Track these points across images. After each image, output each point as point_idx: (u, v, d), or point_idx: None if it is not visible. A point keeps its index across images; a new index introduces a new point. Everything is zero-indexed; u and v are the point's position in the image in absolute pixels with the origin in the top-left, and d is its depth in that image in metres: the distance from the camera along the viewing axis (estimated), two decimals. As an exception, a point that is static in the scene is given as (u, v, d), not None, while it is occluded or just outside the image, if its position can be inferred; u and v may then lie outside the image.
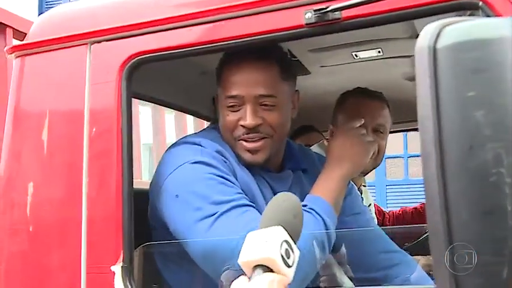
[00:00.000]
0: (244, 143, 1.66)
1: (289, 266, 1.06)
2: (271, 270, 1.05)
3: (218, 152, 1.62)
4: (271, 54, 1.68)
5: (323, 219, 1.53)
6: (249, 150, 1.66)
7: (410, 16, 1.40)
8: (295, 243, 1.09)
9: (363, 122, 1.83)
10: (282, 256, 1.05)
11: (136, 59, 1.53)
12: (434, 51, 0.89)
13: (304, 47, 2.29)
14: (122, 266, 1.47)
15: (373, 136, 2.21)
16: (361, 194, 2.32)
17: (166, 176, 1.60)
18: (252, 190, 1.64)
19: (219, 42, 1.48)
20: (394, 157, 8.65)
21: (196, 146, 1.63)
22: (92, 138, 1.55)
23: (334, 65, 2.52)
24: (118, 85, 1.53)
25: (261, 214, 1.51)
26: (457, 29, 0.90)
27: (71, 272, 1.52)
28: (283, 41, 1.63)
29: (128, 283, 1.46)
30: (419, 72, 0.91)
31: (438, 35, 0.90)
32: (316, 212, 1.54)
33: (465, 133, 0.87)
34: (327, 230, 1.53)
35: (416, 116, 2.48)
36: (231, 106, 1.66)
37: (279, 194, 1.21)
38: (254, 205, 1.56)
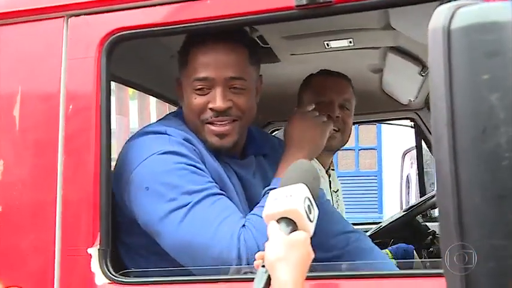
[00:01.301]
0: (212, 127, 1.62)
1: (311, 221, 1.14)
2: (295, 224, 1.12)
3: (186, 139, 1.58)
4: (240, 38, 1.67)
5: None
6: (217, 135, 1.62)
7: (403, 2, 1.39)
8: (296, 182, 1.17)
9: (313, 106, 1.85)
10: (306, 210, 1.12)
11: (117, 34, 1.47)
12: (448, 33, 0.88)
13: (278, 33, 2.27)
14: (98, 249, 1.42)
15: (339, 113, 2.23)
16: (329, 177, 2.32)
17: (133, 168, 1.54)
18: (222, 177, 1.61)
19: (206, 21, 1.44)
20: (346, 149, 8.82)
21: (163, 135, 1.58)
22: (68, 116, 1.48)
23: (305, 53, 2.52)
24: (97, 61, 1.47)
25: (232, 202, 1.51)
26: (471, 11, 0.89)
27: (44, 255, 1.45)
28: (271, 22, 1.60)
29: (104, 266, 1.41)
30: (432, 52, 0.90)
31: (452, 17, 0.89)
32: None
33: (479, 116, 0.86)
34: None
35: (373, 109, 2.51)
36: (200, 89, 1.62)
37: (297, 160, 1.33)
38: (225, 193, 1.55)
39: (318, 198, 1.89)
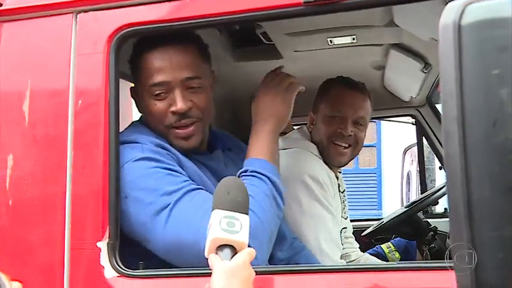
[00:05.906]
0: (177, 131, 1.65)
1: (237, 232, 1.23)
2: (235, 250, 1.23)
3: (158, 145, 1.59)
4: (187, 37, 1.68)
5: (267, 177, 1.57)
6: (183, 138, 1.65)
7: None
8: (243, 211, 1.26)
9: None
10: (226, 229, 1.22)
11: (126, 30, 1.48)
12: (459, 28, 0.90)
13: (281, 30, 2.28)
14: (108, 243, 1.43)
15: (352, 130, 2.21)
16: (338, 180, 2.33)
17: None
18: (200, 176, 1.63)
19: (215, 17, 1.45)
20: (345, 147, 8.82)
21: (134, 144, 1.59)
22: (77, 111, 1.49)
23: (308, 50, 2.52)
24: (106, 57, 1.48)
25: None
26: (481, 7, 0.90)
27: (54, 249, 1.46)
28: (279, 19, 1.62)
29: (113, 259, 1.42)
30: (443, 48, 0.91)
31: (463, 12, 0.91)
32: (258, 172, 1.58)
33: (488, 110, 0.88)
34: (274, 185, 1.58)
35: (374, 106, 2.49)
36: (158, 94, 1.63)
37: (230, 180, 1.33)
38: (203, 187, 1.56)
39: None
